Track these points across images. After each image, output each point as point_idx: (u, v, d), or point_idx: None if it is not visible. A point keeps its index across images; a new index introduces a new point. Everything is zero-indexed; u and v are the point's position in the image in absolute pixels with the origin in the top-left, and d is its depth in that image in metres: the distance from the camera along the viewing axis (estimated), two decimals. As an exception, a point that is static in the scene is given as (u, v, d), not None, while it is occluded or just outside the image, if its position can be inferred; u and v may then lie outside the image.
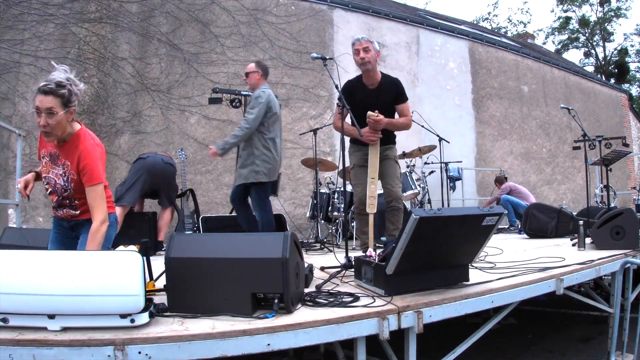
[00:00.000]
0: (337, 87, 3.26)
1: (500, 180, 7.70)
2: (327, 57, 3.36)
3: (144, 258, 2.53)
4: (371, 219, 3.27)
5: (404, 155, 6.26)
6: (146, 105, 6.28)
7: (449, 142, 6.39)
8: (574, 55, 42.81)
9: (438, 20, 10.37)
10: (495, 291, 2.40)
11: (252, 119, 3.93)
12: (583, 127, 4.94)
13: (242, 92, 5.23)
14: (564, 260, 3.18)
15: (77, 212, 2.29)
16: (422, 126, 6.36)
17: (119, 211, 4.07)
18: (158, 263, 2.37)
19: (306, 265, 2.56)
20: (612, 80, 24.88)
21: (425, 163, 6.98)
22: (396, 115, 3.60)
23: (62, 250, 2.14)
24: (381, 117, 3.26)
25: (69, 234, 2.38)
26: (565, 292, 2.78)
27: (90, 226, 2.27)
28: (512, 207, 6.83)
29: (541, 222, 5.32)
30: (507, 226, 7.08)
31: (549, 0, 42.76)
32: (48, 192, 2.30)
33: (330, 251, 4.44)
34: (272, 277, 1.89)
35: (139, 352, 1.61)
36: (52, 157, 2.21)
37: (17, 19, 5.70)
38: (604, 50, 29.87)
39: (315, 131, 5.67)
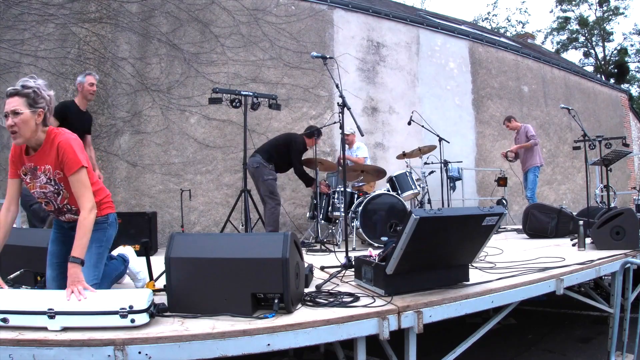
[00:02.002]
0: (337, 86, 3.27)
1: (510, 119, 7.23)
2: (328, 57, 3.36)
3: (145, 258, 2.55)
4: None
5: (404, 155, 6.26)
6: (146, 105, 6.27)
7: (449, 142, 6.39)
8: (573, 56, 42.78)
9: (438, 20, 10.36)
10: (495, 291, 2.40)
11: None
12: (583, 127, 4.94)
13: (242, 92, 5.23)
14: (564, 260, 3.18)
15: (78, 216, 2.27)
16: (422, 126, 6.37)
17: None
18: (158, 263, 2.37)
19: (306, 265, 2.57)
20: (612, 80, 24.87)
21: (425, 163, 6.98)
22: None
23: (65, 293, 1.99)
24: None
25: (70, 233, 2.36)
26: (565, 292, 2.78)
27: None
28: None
29: (541, 222, 5.32)
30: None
31: (548, 0, 42.82)
32: (44, 204, 2.27)
33: (331, 251, 4.44)
34: (272, 277, 1.89)
35: (139, 352, 1.62)
36: (31, 172, 2.17)
37: (17, 19, 5.70)
38: (604, 50, 29.89)
39: (315, 131, 5.67)
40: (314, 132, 5.40)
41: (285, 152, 5.27)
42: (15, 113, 2.03)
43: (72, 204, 2.23)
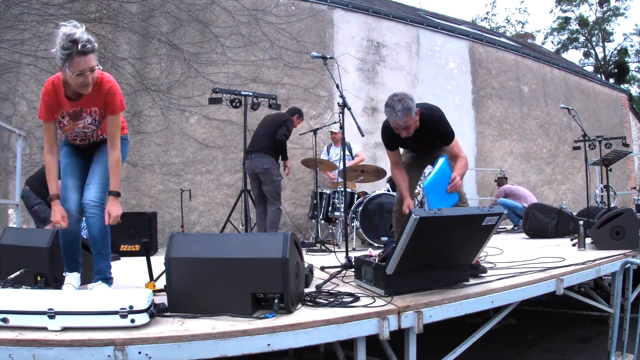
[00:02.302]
0: (338, 86, 3.27)
1: (500, 183, 7.71)
2: (328, 57, 3.36)
3: (145, 258, 2.55)
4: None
5: (404, 155, 6.25)
6: (146, 105, 6.27)
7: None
8: (573, 56, 42.77)
9: (438, 20, 10.36)
10: (495, 291, 2.40)
11: None
12: (583, 127, 4.93)
13: (242, 92, 5.23)
14: (564, 260, 3.18)
15: (100, 137, 2.46)
16: (422, 126, 6.35)
17: None
18: (158, 263, 2.37)
19: (306, 265, 2.56)
20: (612, 80, 24.87)
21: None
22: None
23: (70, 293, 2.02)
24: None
25: (83, 151, 2.50)
26: (566, 292, 2.78)
27: (103, 145, 2.41)
28: (510, 209, 6.81)
29: (541, 222, 5.32)
30: (512, 227, 7.10)
31: (548, 0, 42.80)
32: (78, 141, 2.42)
33: (331, 251, 4.44)
34: (272, 277, 1.89)
35: (139, 352, 1.62)
36: (74, 115, 2.30)
37: (17, 19, 5.70)
38: (604, 50, 29.89)
39: (315, 131, 5.68)
40: (298, 111, 5.45)
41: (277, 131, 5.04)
42: (93, 70, 2.13)
43: (103, 133, 2.42)
